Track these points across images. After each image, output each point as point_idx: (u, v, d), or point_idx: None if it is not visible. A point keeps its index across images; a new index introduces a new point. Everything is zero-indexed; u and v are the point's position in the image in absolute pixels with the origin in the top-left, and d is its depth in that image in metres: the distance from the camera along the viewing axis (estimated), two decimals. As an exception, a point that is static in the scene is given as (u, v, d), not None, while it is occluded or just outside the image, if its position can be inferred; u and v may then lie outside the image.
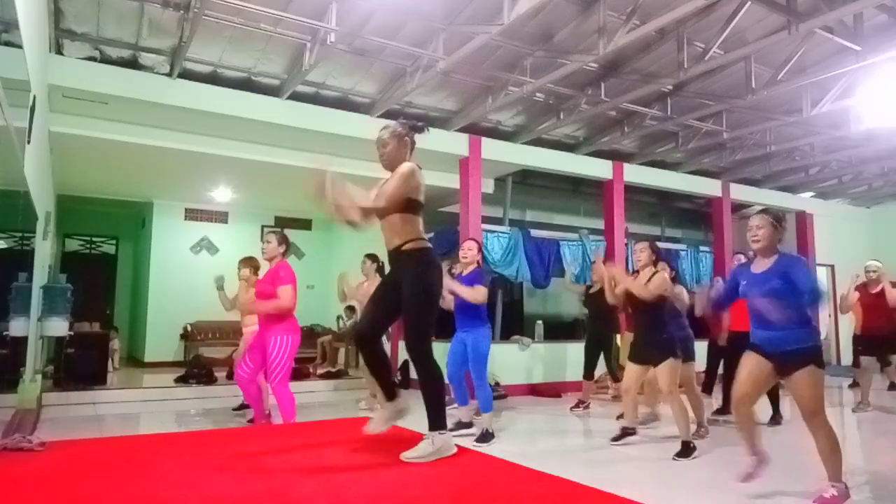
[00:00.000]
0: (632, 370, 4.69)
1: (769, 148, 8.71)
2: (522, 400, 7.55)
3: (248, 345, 5.37)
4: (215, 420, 5.97)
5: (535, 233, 9.08)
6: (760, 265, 3.32)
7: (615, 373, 6.89)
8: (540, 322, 8.80)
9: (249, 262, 5.92)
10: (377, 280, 5.80)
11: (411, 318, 3.36)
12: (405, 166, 3.46)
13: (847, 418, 6.40)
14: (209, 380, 7.69)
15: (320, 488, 2.71)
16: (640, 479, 3.98)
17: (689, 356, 5.11)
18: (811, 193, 12.00)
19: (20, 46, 3.34)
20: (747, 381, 3.29)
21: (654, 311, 4.52)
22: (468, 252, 5.14)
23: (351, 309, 9.82)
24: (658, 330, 4.49)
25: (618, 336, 7.22)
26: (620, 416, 5.41)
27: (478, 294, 4.85)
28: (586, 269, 9.28)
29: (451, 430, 4.83)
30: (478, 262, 5.13)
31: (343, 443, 3.77)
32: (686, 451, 4.28)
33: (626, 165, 9.37)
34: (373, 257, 6.30)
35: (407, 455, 3.18)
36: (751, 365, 3.28)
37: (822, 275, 12.01)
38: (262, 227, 11.13)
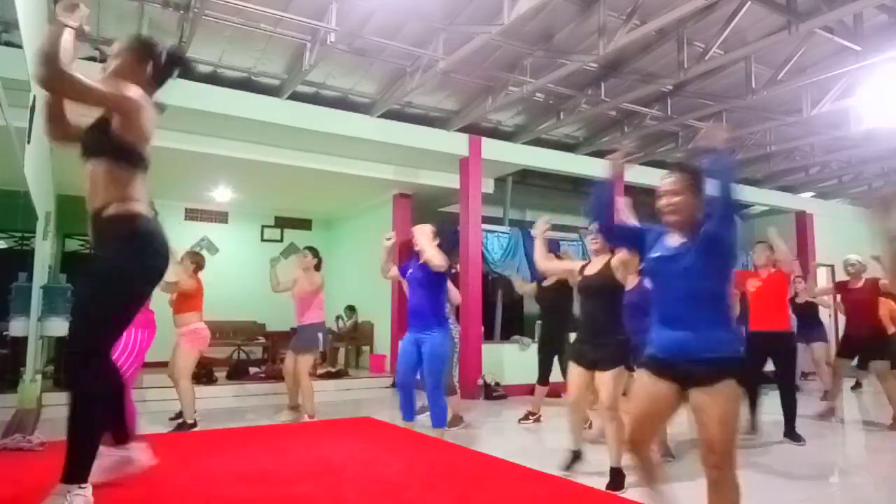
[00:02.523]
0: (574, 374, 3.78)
1: (769, 148, 8.71)
2: (522, 400, 7.54)
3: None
4: (215, 420, 5.96)
5: (535, 233, 9.07)
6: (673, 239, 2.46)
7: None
8: (540, 322, 8.79)
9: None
10: (315, 277, 5.75)
11: (83, 306, 2.49)
12: (133, 88, 2.46)
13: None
14: (209, 380, 7.68)
15: (320, 488, 2.71)
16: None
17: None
18: (811, 193, 12.00)
19: (20, 46, 3.34)
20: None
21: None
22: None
23: (351, 309, 9.83)
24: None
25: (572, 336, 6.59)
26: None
27: (435, 257, 4.17)
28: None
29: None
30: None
31: (343, 443, 3.78)
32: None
33: (626, 165, 9.36)
34: (314, 251, 5.96)
35: None
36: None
37: (822, 275, 12.01)
38: (262, 226, 11.14)
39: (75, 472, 2.28)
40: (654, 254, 2.45)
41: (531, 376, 8.19)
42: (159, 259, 2.53)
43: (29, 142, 3.90)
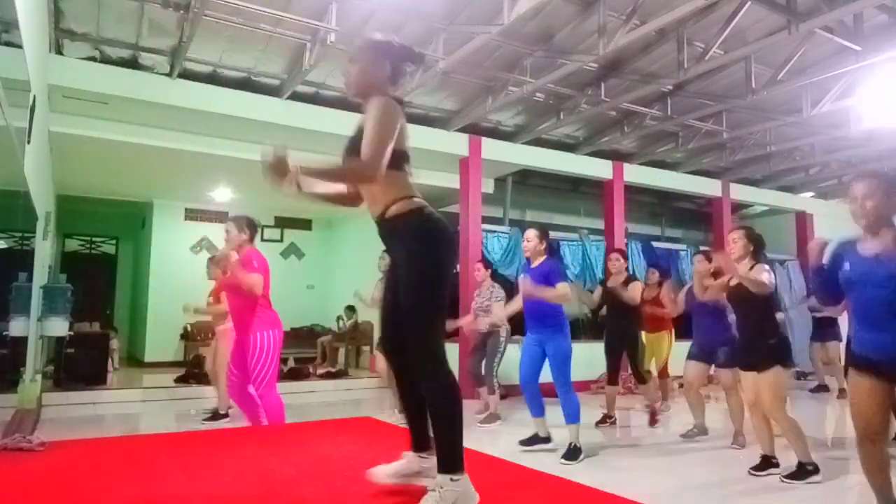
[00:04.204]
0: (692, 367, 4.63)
1: (769, 148, 8.71)
2: (522, 400, 7.54)
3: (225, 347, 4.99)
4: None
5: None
6: (872, 245, 2.53)
7: (642, 374, 6.07)
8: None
9: (218, 263, 5.39)
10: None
11: (409, 307, 2.33)
12: (378, 100, 2.37)
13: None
14: (209, 380, 7.68)
15: (320, 488, 2.71)
16: (640, 478, 3.98)
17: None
18: (811, 193, 12.00)
19: (20, 46, 3.34)
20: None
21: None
22: (528, 242, 4.42)
23: (351, 309, 9.83)
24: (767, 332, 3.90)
25: (643, 333, 6.37)
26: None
27: (562, 293, 4.17)
28: (586, 268, 9.28)
29: (527, 444, 4.52)
30: (545, 251, 4.42)
31: (343, 443, 3.77)
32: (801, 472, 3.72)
33: (626, 165, 9.37)
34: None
35: None
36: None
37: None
38: (262, 227, 11.13)
39: (450, 461, 2.27)
40: (848, 265, 2.57)
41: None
42: (452, 249, 2.59)
43: (29, 142, 3.90)
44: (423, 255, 2.36)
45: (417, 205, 2.44)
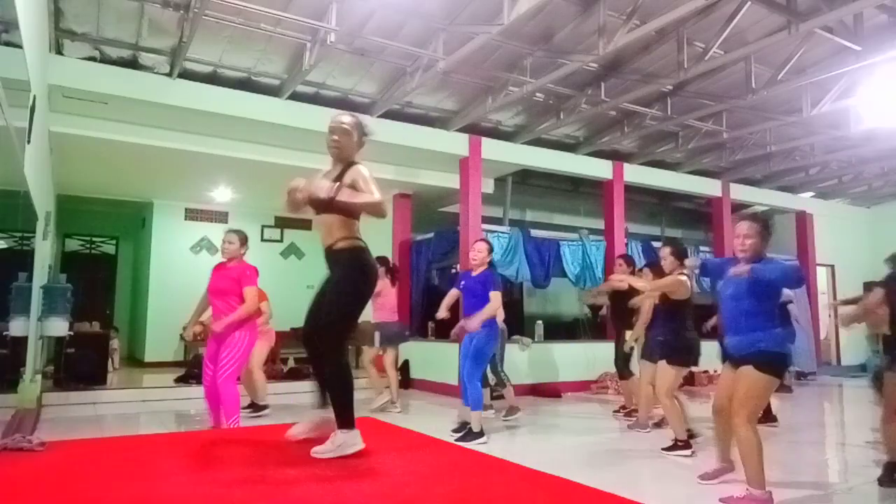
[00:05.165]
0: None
1: (769, 148, 8.71)
2: (523, 400, 7.53)
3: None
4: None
5: (534, 233, 9.08)
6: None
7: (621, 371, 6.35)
8: (540, 322, 8.80)
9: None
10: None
11: (328, 309, 3.21)
12: (365, 170, 3.29)
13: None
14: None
15: (320, 488, 2.71)
16: (640, 479, 3.98)
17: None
18: (811, 193, 12.01)
19: (20, 46, 3.33)
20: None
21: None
22: (478, 254, 5.00)
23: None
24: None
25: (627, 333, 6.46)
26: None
27: (495, 303, 4.77)
28: (586, 268, 9.28)
29: (456, 431, 4.92)
30: (487, 264, 5.00)
31: (343, 443, 3.77)
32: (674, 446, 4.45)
33: (626, 165, 9.37)
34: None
35: (314, 451, 3.12)
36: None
37: (822, 275, 12.02)
38: (262, 227, 11.14)
39: (342, 418, 3.16)
40: (721, 283, 3.51)
41: (531, 376, 8.21)
42: (373, 281, 3.43)
43: (29, 142, 3.90)
44: (350, 280, 3.26)
45: (358, 245, 3.30)
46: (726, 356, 3.43)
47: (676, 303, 4.56)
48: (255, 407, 6.07)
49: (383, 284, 6.13)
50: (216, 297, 4.62)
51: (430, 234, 9.10)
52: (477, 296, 4.84)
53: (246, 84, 6.65)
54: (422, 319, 8.91)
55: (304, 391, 7.65)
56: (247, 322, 4.58)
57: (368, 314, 8.03)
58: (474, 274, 4.97)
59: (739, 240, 3.31)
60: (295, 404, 6.11)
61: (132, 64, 6.14)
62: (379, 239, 8.79)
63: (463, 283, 5.09)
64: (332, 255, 3.28)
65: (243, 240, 4.75)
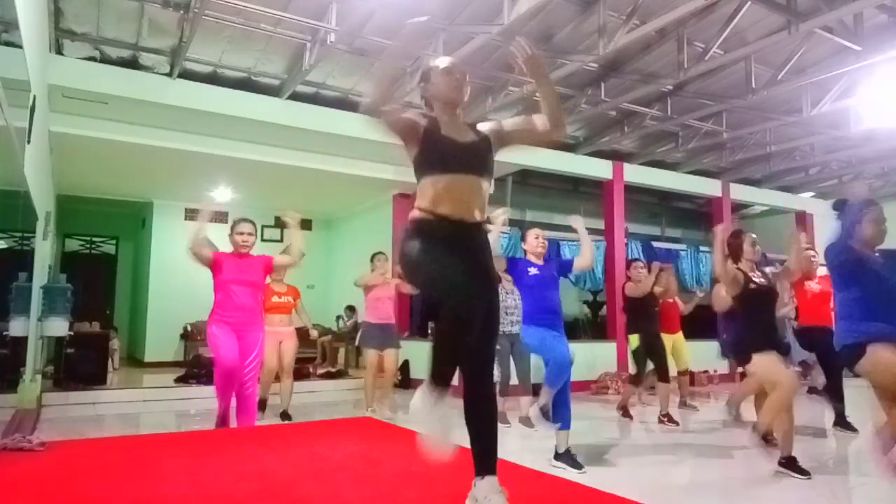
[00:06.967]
0: None
1: (769, 148, 8.71)
2: (520, 400, 7.54)
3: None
4: (215, 420, 5.96)
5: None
6: None
7: (639, 376, 6.09)
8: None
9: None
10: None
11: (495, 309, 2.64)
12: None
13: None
14: (209, 380, 7.67)
15: (320, 488, 2.71)
16: (640, 479, 3.97)
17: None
18: (811, 193, 12.00)
19: (20, 46, 3.34)
20: None
21: None
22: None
23: (351, 309, 9.83)
24: None
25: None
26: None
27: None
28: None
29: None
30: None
31: (343, 443, 3.78)
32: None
33: (626, 165, 9.37)
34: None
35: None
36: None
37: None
38: (263, 227, 11.13)
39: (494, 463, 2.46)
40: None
41: (531, 376, 8.17)
42: None
43: (29, 142, 3.90)
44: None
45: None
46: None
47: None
48: (285, 415, 5.88)
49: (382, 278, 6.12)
50: (244, 286, 4.42)
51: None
52: None
53: (246, 84, 6.65)
54: (422, 319, 8.91)
55: (304, 391, 7.65)
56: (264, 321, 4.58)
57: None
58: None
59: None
60: (291, 404, 6.08)
61: (132, 64, 6.14)
62: (379, 239, 8.80)
63: None
64: (479, 233, 2.54)
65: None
